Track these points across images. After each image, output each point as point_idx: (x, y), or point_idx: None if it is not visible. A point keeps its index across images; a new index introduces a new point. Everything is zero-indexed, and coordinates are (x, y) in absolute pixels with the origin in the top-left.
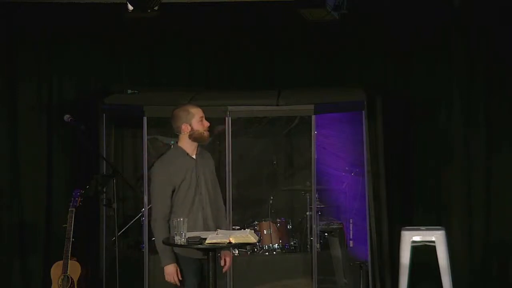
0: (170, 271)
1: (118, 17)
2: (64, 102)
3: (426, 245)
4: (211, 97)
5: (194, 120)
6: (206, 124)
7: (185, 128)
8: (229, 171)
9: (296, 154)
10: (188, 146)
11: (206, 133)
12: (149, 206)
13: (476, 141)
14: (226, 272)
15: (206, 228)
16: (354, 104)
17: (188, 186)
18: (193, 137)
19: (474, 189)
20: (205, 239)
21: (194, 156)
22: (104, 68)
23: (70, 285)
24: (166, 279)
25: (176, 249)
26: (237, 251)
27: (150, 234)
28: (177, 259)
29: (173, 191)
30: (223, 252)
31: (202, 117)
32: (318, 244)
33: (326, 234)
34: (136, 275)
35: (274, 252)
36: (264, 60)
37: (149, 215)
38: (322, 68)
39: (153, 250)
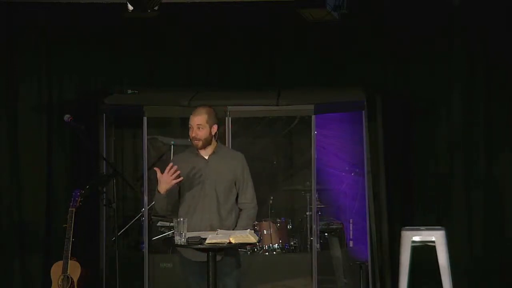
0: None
1: (118, 17)
2: (64, 102)
3: (426, 245)
4: (211, 97)
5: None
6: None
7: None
8: None
9: (296, 154)
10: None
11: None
12: (149, 206)
13: (476, 141)
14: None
15: (209, 229)
16: (354, 104)
17: (191, 184)
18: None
19: (474, 189)
20: (205, 239)
21: (206, 157)
22: (104, 68)
23: (70, 285)
24: (162, 185)
25: (180, 250)
26: None
27: (150, 234)
28: (180, 261)
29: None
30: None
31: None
32: (318, 244)
33: (326, 234)
34: (136, 275)
35: (274, 252)
36: (264, 60)
37: (149, 215)
38: (322, 68)
39: (153, 250)
